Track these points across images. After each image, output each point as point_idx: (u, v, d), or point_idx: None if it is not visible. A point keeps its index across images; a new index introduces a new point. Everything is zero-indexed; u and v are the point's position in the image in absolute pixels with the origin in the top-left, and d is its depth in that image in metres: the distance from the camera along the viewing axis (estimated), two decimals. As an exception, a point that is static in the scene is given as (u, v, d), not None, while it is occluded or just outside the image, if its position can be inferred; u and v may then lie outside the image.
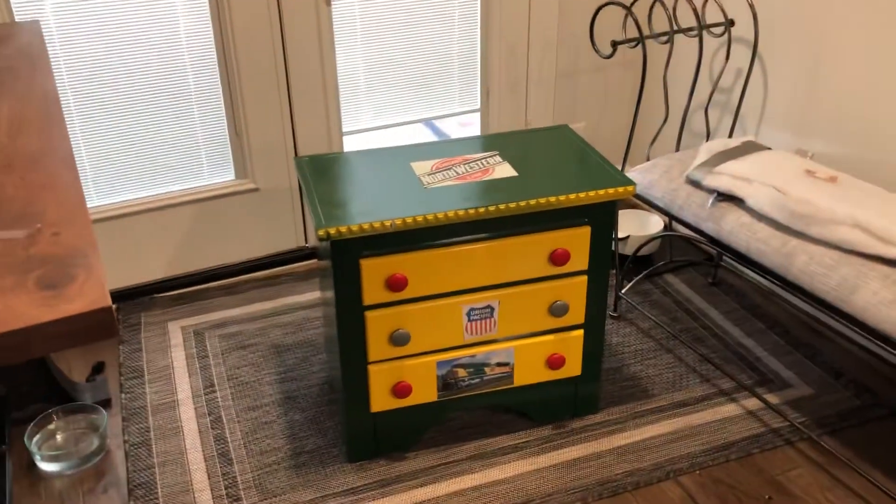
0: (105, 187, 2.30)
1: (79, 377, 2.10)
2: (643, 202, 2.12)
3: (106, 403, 2.01)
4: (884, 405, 1.98)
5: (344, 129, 2.48)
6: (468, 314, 1.73)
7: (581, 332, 1.83)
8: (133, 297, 2.41)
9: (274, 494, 1.75)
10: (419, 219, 1.59)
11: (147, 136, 2.28)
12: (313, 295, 2.43)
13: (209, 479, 1.80)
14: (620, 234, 2.49)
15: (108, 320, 0.79)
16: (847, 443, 1.86)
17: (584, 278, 1.77)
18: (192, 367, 2.14)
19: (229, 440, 1.90)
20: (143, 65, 2.18)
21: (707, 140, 2.40)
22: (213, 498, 1.75)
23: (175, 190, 2.37)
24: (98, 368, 2.13)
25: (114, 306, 2.35)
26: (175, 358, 2.18)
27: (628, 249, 2.48)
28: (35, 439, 1.86)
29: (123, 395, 2.05)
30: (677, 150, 2.34)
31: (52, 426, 1.91)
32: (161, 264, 2.42)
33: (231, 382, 2.09)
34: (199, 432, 1.93)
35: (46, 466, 1.83)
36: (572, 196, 1.66)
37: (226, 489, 1.77)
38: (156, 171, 2.33)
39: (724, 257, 2.49)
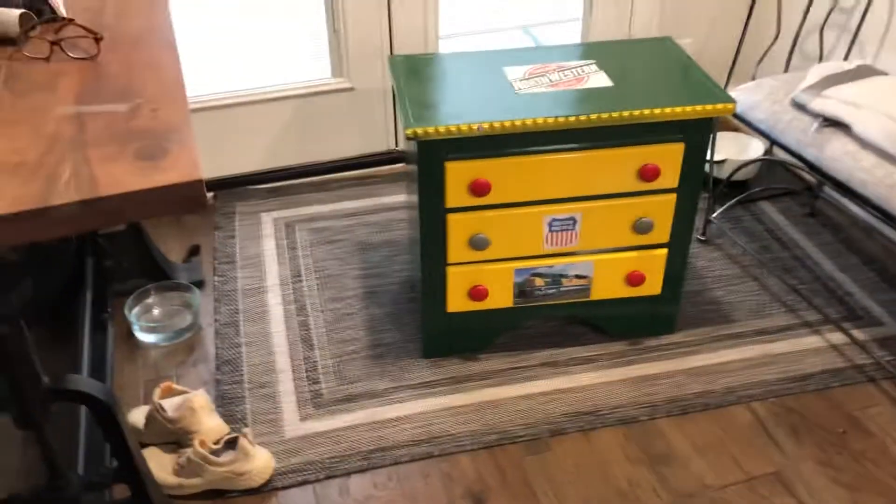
0: (204, 77, 2.36)
1: (176, 258, 2.21)
2: (744, 124, 2.04)
3: (200, 284, 2.12)
4: (979, 352, 1.90)
5: (441, 33, 2.45)
6: (550, 224, 1.73)
7: (664, 251, 1.81)
8: (230, 187, 2.50)
9: (351, 381, 1.83)
10: (507, 124, 1.58)
11: (245, 29, 2.31)
12: (400, 197, 2.47)
13: (291, 361, 1.89)
14: (717, 157, 2.41)
15: (198, 193, 0.83)
16: (933, 386, 1.81)
17: (673, 196, 1.73)
18: (282, 257, 2.23)
19: (312, 327, 1.99)
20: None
21: (820, 62, 2.27)
22: (293, 379, 1.84)
23: (272, 85, 2.41)
24: (194, 251, 2.24)
25: (210, 194, 2.45)
26: (266, 247, 2.27)
27: (724, 173, 2.40)
28: (134, 311, 1.99)
29: (216, 278, 2.15)
30: (786, 71, 2.23)
31: (149, 300, 2.04)
32: (257, 157, 2.49)
33: (317, 274, 2.16)
34: (285, 318, 2.02)
35: (143, 337, 1.96)
36: (667, 110, 1.61)
37: (306, 372, 1.86)
38: (254, 64, 2.37)
39: (825, 188, 2.39)
